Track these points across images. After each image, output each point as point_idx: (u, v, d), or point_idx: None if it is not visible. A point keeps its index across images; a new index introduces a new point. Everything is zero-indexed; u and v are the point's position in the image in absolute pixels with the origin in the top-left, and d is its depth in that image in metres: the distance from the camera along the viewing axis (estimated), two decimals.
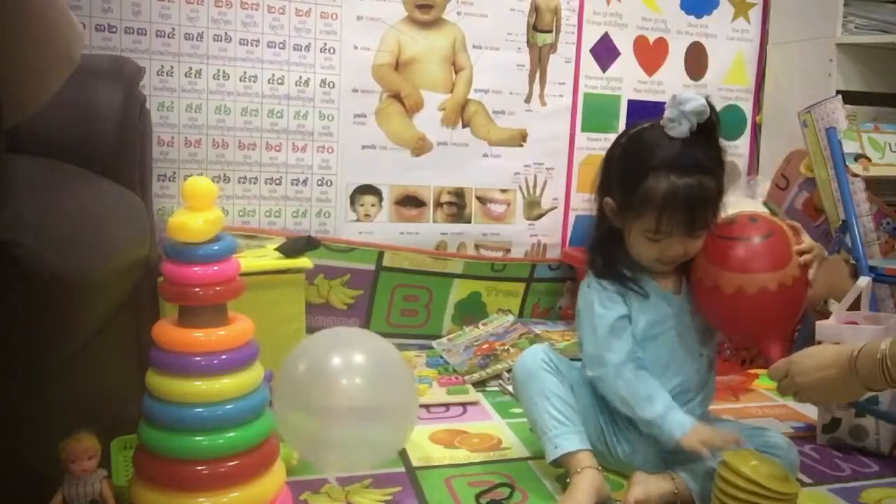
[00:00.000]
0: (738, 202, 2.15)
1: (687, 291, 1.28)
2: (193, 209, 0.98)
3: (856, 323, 1.45)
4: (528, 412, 1.30)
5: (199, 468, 0.96)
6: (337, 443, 1.18)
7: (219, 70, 1.88)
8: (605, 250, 1.29)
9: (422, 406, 1.57)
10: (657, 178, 1.17)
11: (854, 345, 1.04)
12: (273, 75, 1.92)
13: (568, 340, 1.97)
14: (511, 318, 2.09)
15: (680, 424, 1.17)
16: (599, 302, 1.26)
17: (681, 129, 1.17)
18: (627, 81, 2.25)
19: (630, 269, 1.26)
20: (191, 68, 1.86)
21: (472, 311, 2.13)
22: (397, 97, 2.03)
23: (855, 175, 1.87)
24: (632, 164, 1.22)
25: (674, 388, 1.25)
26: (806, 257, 1.22)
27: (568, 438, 1.22)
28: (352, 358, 1.22)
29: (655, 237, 1.20)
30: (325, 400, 1.18)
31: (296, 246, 1.68)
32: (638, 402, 1.21)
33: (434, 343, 2.05)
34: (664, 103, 1.21)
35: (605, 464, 1.26)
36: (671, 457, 1.23)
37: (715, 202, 1.21)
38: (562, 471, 1.26)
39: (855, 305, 1.50)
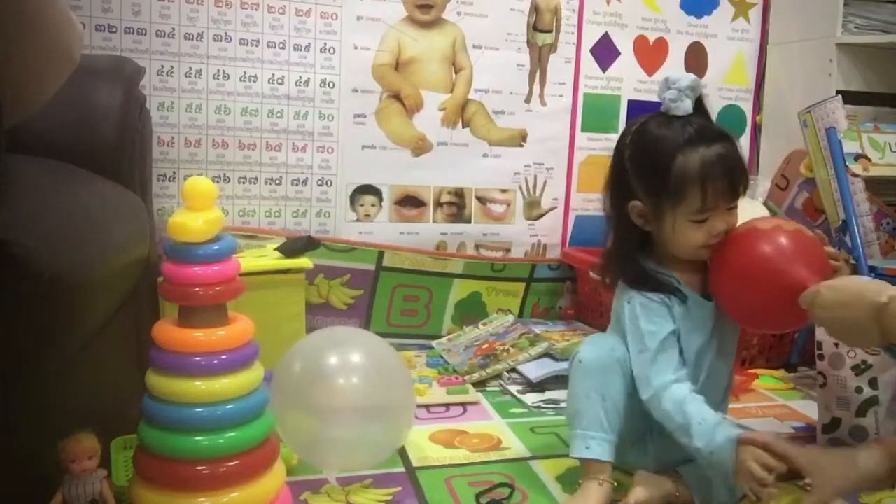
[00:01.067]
0: (739, 202, 2.17)
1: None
2: (193, 209, 0.98)
3: None
4: (576, 400, 1.22)
5: (199, 468, 0.96)
6: (333, 442, 1.18)
7: (219, 70, 1.88)
8: (632, 258, 1.24)
9: (422, 406, 1.57)
10: (687, 156, 1.15)
11: (881, 289, 0.97)
12: (273, 75, 1.92)
13: (568, 340, 1.97)
14: (511, 318, 2.09)
15: (727, 447, 1.09)
16: (647, 318, 1.20)
17: (684, 106, 1.17)
18: (627, 81, 2.25)
19: (661, 274, 1.22)
20: (191, 68, 1.86)
21: (472, 311, 2.13)
22: (397, 97, 2.03)
23: (855, 175, 1.87)
24: (653, 153, 1.19)
25: (709, 396, 1.19)
26: (834, 264, 1.18)
27: (603, 446, 1.18)
28: (348, 357, 1.22)
29: (701, 217, 1.16)
30: (321, 399, 1.18)
31: (296, 246, 1.68)
32: (685, 430, 1.14)
33: (434, 343, 2.05)
34: (701, 103, 1.21)
35: (622, 463, 1.23)
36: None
37: (745, 167, 1.20)
38: (563, 471, 1.26)
39: None
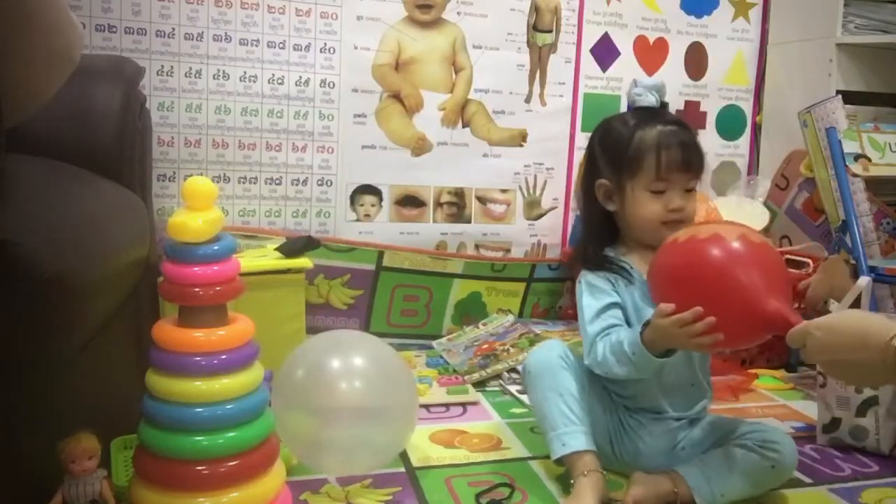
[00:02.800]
0: (739, 202, 2.17)
1: None
2: (193, 209, 0.98)
3: None
4: (538, 407, 1.27)
5: (199, 468, 0.96)
6: (335, 445, 1.18)
7: (219, 70, 1.88)
8: (594, 240, 1.32)
9: (422, 406, 1.57)
10: (646, 131, 1.25)
11: (884, 326, 0.90)
12: (273, 75, 1.92)
13: (568, 340, 1.97)
14: (511, 318, 2.08)
15: (635, 335, 1.15)
16: (589, 292, 1.27)
17: (649, 100, 1.29)
18: (627, 81, 2.22)
19: (618, 260, 1.28)
20: (191, 68, 1.86)
21: (472, 311, 2.13)
22: (397, 97, 2.03)
23: (855, 175, 1.87)
24: (617, 132, 1.29)
25: (675, 375, 1.25)
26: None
27: (576, 437, 1.21)
28: (350, 360, 1.22)
29: (657, 187, 1.24)
30: (322, 402, 1.18)
31: (296, 246, 1.68)
32: (622, 360, 1.18)
33: (434, 343, 2.05)
34: (664, 103, 1.30)
35: (608, 464, 1.25)
36: (677, 460, 1.23)
37: (701, 151, 1.27)
38: (562, 471, 1.26)
39: (855, 305, 1.50)
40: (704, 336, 1.07)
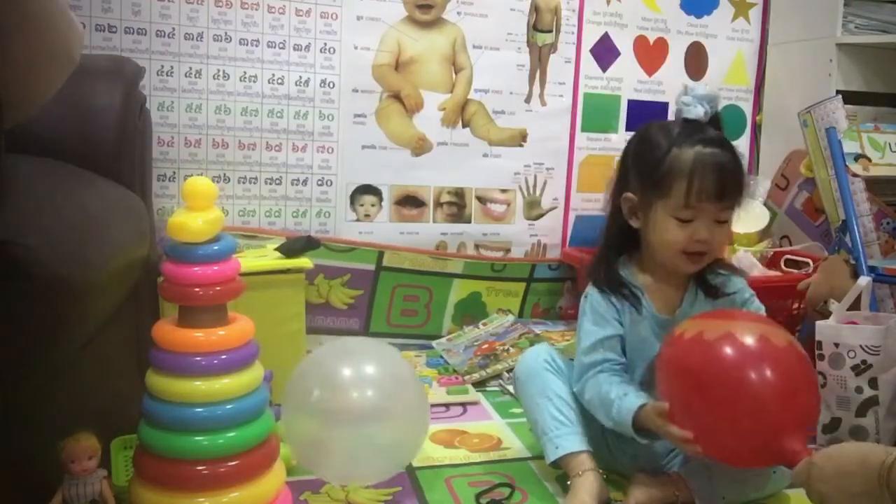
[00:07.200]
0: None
1: (682, 314, 1.23)
2: (193, 209, 0.98)
3: (856, 323, 1.46)
4: (529, 412, 1.30)
5: (199, 468, 0.96)
6: (345, 454, 1.16)
7: (219, 70, 1.88)
8: (611, 258, 1.26)
9: None
10: (682, 150, 1.15)
11: (882, 451, 0.91)
12: (273, 75, 1.92)
13: (568, 340, 1.97)
14: (511, 318, 2.09)
15: (628, 410, 1.13)
16: (592, 317, 1.23)
17: (697, 112, 1.18)
18: (627, 81, 2.25)
19: (630, 284, 1.23)
20: (191, 68, 1.86)
21: (472, 311, 2.13)
22: (397, 97, 2.03)
23: (855, 175, 1.87)
24: (652, 143, 1.19)
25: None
26: None
27: (569, 439, 1.21)
28: (362, 369, 1.19)
29: (685, 215, 1.15)
30: (334, 410, 1.16)
31: (296, 246, 1.68)
32: (604, 412, 1.18)
33: (434, 343, 2.05)
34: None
35: (608, 465, 1.25)
36: (676, 460, 1.23)
37: (742, 177, 1.17)
38: (562, 471, 1.26)
39: (855, 305, 1.50)
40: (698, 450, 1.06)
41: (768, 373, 1.01)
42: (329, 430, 1.15)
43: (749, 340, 1.03)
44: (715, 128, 1.20)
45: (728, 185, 1.15)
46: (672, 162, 1.15)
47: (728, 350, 1.03)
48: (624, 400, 1.15)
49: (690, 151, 1.15)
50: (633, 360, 1.24)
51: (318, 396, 1.15)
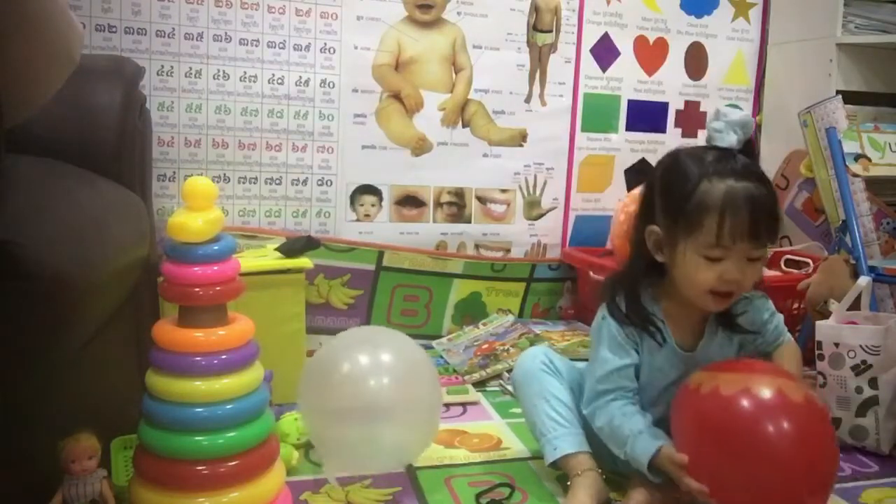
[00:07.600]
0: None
1: (703, 348, 1.20)
2: (193, 209, 0.98)
3: (856, 323, 1.46)
4: (527, 414, 1.29)
5: (199, 468, 0.96)
6: (359, 443, 1.18)
7: (219, 70, 1.88)
8: (633, 287, 1.19)
9: None
10: (713, 184, 1.07)
11: None
12: (273, 75, 1.92)
13: (568, 340, 1.97)
14: (511, 318, 2.09)
15: (644, 452, 1.11)
16: (609, 344, 1.18)
17: (729, 140, 1.10)
18: (627, 81, 2.25)
19: (654, 317, 1.18)
20: (191, 68, 1.86)
21: (472, 311, 2.13)
22: (397, 97, 2.03)
23: (855, 175, 1.87)
24: (680, 173, 1.11)
25: (665, 395, 1.21)
26: None
27: (567, 440, 1.21)
28: (379, 357, 1.21)
29: (714, 254, 1.08)
30: (354, 400, 1.17)
31: (296, 246, 1.68)
32: (615, 443, 1.17)
33: (434, 343, 2.04)
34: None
35: (608, 465, 1.25)
36: None
37: (778, 213, 1.10)
38: (562, 472, 1.26)
39: (855, 305, 1.50)
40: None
41: (786, 429, 0.99)
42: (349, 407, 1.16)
43: (766, 394, 1.01)
44: (747, 155, 1.12)
45: (762, 223, 1.07)
46: (702, 197, 1.07)
47: (746, 405, 1.01)
48: (639, 438, 1.12)
49: (722, 185, 1.07)
50: (645, 385, 1.21)
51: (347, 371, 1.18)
